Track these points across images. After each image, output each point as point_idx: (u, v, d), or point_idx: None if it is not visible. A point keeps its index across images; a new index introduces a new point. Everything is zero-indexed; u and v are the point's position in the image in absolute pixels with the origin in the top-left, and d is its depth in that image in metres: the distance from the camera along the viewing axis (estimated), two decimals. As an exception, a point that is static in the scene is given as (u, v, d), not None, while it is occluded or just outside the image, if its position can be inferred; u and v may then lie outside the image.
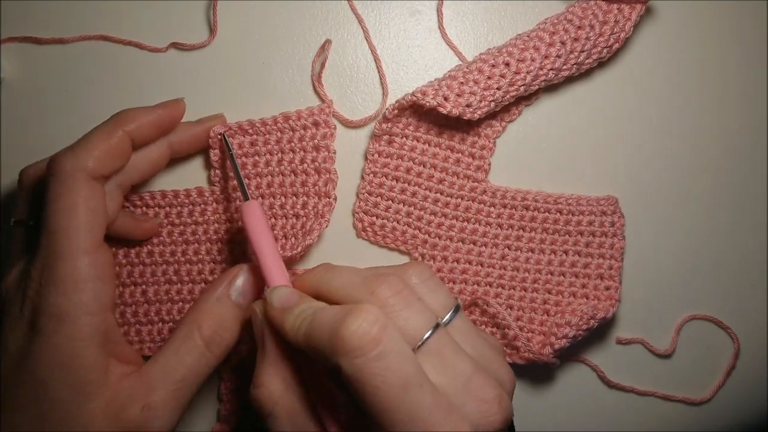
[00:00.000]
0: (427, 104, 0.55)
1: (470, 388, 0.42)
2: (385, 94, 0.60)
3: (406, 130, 0.59)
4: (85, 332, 0.46)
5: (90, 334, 0.46)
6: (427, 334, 0.43)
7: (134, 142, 0.52)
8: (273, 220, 0.58)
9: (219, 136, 0.57)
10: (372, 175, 0.59)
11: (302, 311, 0.44)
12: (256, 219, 0.50)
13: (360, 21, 0.61)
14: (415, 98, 0.55)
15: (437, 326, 0.43)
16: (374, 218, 0.60)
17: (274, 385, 0.45)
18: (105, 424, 0.46)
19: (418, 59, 0.62)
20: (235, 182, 0.58)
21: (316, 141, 0.57)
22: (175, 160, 0.59)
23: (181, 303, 0.59)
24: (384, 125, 0.58)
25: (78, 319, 0.45)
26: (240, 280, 0.51)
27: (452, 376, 0.42)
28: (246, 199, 0.52)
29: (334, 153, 0.57)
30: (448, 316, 0.46)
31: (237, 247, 0.58)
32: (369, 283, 0.44)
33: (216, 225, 0.58)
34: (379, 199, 0.59)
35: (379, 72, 0.61)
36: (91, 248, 0.47)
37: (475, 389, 0.42)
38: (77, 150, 0.48)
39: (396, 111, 0.57)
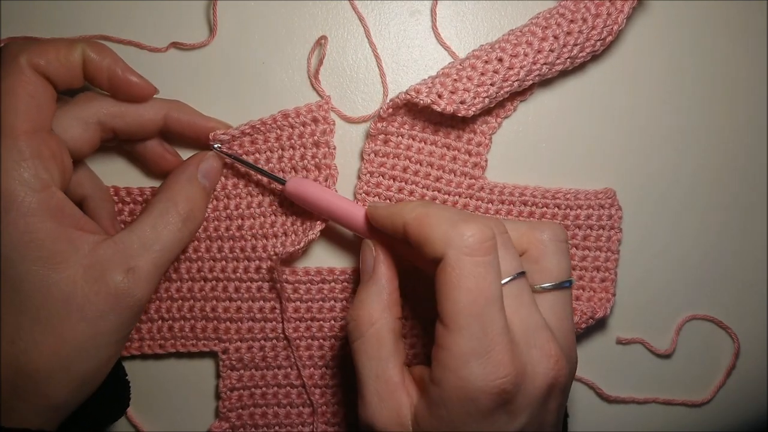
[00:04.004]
0: (421, 102, 0.55)
1: (537, 337, 0.45)
2: (385, 93, 0.61)
3: (402, 129, 0.59)
4: (35, 208, 0.46)
5: (40, 209, 0.46)
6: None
7: (86, 71, 0.51)
8: (273, 217, 0.58)
9: (215, 149, 0.57)
10: (369, 175, 0.59)
11: (411, 203, 0.49)
12: (307, 187, 0.55)
13: (361, 20, 0.61)
14: (409, 96, 0.56)
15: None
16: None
17: (375, 310, 0.49)
18: (88, 290, 0.47)
19: (417, 59, 0.62)
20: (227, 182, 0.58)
21: (315, 137, 0.57)
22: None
23: (180, 301, 0.59)
24: (379, 125, 0.58)
25: (26, 196, 0.46)
26: (206, 164, 0.55)
27: (523, 322, 0.45)
28: (283, 183, 0.56)
29: (334, 149, 0.57)
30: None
31: (237, 244, 0.58)
32: (475, 217, 0.46)
33: (216, 222, 0.58)
34: (376, 199, 0.59)
35: (379, 71, 0.61)
36: (29, 130, 0.47)
37: (541, 340, 0.45)
38: (33, 43, 0.49)
39: (391, 110, 0.57)
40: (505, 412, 0.43)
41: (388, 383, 0.47)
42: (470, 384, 0.42)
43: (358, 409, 0.48)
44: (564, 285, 0.49)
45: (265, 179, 0.58)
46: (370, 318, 0.49)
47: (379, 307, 0.49)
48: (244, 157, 0.57)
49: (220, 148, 0.56)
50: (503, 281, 0.45)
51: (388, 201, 0.59)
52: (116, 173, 0.60)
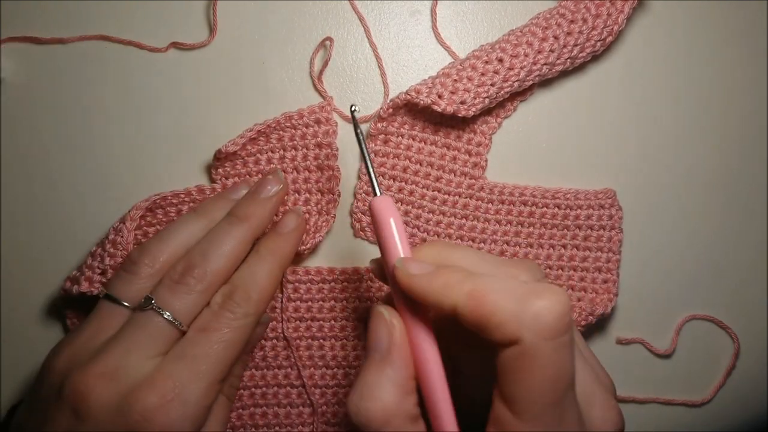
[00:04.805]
0: (422, 102, 0.55)
1: (594, 394, 0.41)
2: (386, 93, 0.61)
3: (402, 129, 0.59)
4: None
5: None
6: None
7: None
8: (274, 216, 0.58)
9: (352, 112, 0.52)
10: (369, 174, 0.59)
11: (456, 276, 0.39)
12: (385, 211, 0.44)
13: (361, 20, 0.61)
14: (409, 97, 0.56)
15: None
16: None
17: (391, 401, 0.40)
18: None
19: (417, 59, 0.62)
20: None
21: (318, 138, 0.57)
22: (172, 162, 0.59)
23: None
24: (379, 125, 0.58)
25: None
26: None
27: (581, 381, 0.40)
28: (375, 194, 0.46)
29: (337, 150, 0.57)
30: None
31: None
32: (543, 285, 0.39)
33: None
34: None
35: (380, 71, 0.61)
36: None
37: (599, 396, 0.41)
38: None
39: (391, 110, 0.57)
40: None
41: None
42: None
43: None
44: None
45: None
46: (384, 411, 0.39)
47: (397, 397, 0.40)
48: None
49: (355, 110, 0.50)
50: None
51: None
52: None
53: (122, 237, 0.54)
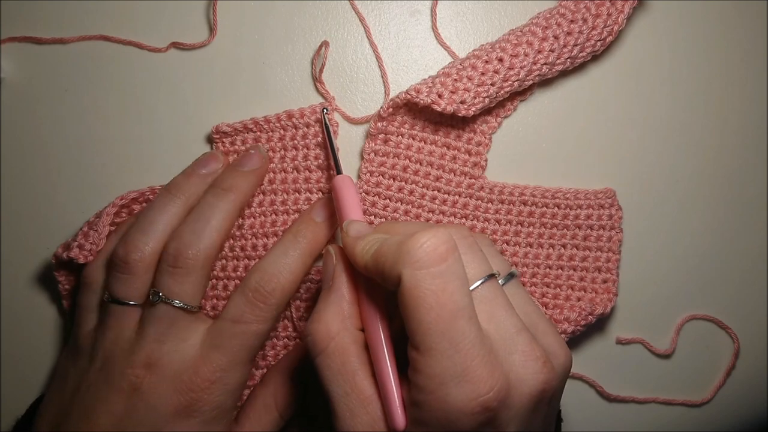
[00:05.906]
0: (422, 102, 0.55)
1: (516, 342, 0.42)
2: (387, 93, 0.61)
3: (402, 129, 0.59)
4: None
5: None
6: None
7: None
8: (273, 216, 0.58)
9: (319, 112, 0.57)
10: (369, 174, 0.59)
11: (373, 237, 0.46)
12: (346, 188, 0.52)
13: (361, 20, 0.61)
14: (409, 96, 0.55)
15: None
16: (372, 217, 0.60)
17: (333, 323, 0.46)
18: None
19: (418, 59, 0.62)
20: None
21: (319, 138, 0.57)
22: (172, 161, 0.59)
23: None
24: (379, 124, 0.58)
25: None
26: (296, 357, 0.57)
27: (500, 327, 0.43)
28: (338, 173, 0.54)
29: (338, 150, 0.57)
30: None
31: (237, 243, 0.58)
32: (436, 225, 0.45)
33: None
34: (376, 198, 0.59)
35: (381, 71, 0.61)
36: None
37: (522, 344, 0.42)
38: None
39: (391, 109, 0.57)
40: (492, 427, 0.41)
41: (360, 397, 0.44)
42: (450, 406, 0.40)
43: (332, 425, 0.45)
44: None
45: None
46: (328, 332, 0.45)
47: (338, 319, 0.46)
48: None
49: (326, 111, 0.57)
50: (471, 287, 0.43)
51: (386, 201, 0.59)
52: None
53: (106, 211, 0.56)
